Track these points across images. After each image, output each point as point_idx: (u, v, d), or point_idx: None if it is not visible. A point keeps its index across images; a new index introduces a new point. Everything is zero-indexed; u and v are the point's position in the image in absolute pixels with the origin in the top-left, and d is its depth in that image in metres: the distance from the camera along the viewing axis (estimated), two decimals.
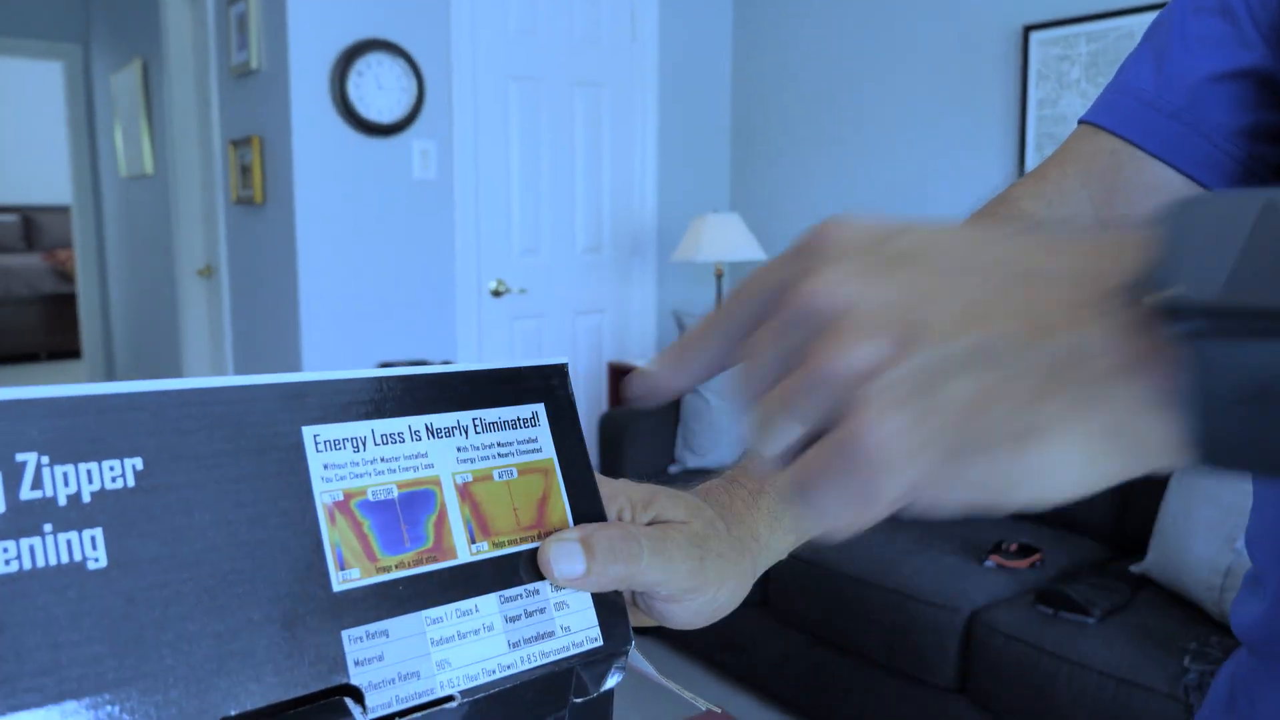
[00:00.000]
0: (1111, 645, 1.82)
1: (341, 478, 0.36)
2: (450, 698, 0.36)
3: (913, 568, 2.17)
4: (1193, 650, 1.74)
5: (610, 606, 0.42)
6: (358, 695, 0.34)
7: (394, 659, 0.35)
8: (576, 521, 0.42)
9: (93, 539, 0.30)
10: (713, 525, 0.45)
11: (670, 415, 3.09)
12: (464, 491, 0.39)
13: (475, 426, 0.41)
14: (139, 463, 0.32)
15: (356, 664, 0.34)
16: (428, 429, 0.39)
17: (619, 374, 3.52)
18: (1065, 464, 0.25)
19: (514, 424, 0.42)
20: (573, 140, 3.49)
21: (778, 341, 0.29)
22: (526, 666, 0.38)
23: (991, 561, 2.17)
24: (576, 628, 0.40)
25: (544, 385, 0.44)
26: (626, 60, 3.56)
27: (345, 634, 0.34)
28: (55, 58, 5.77)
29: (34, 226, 7.94)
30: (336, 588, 0.35)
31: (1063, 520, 2.43)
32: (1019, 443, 0.25)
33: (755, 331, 0.30)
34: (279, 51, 2.98)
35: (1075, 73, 2.79)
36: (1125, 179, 0.57)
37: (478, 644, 0.37)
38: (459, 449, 0.40)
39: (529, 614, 0.39)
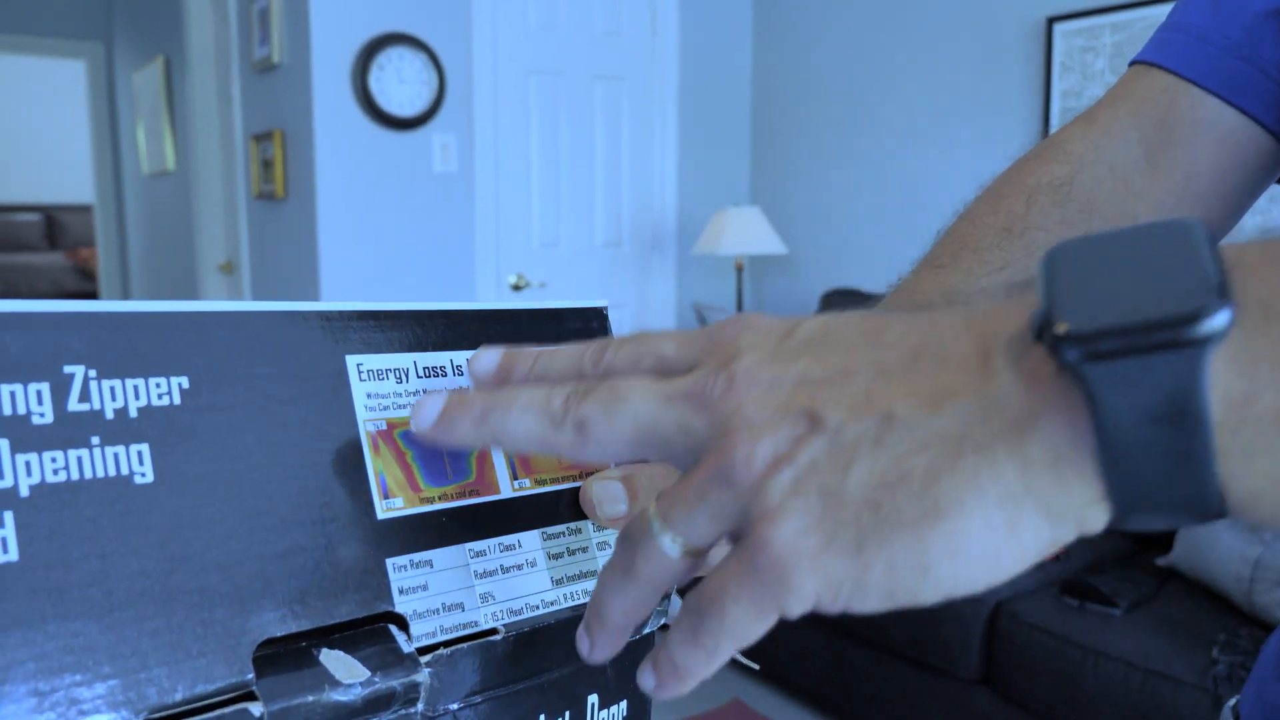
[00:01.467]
0: (1139, 637, 1.80)
1: (385, 408, 0.36)
2: (494, 630, 0.35)
3: None
4: (1221, 642, 1.72)
5: None
6: (402, 623, 0.34)
7: (438, 589, 0.35)
8: (617, 463, 0.42)
9: (140, 454, 0.30)
10: None
11: None
12: None
13: None
14: (185, 381, 0.31)
15: (401, 592, 0.34)
16: (469, 364, 0.39)
17: None
18: (979, 541, 0.24)
19: None
20: (593, 134, 3.48)
21: (676, 436, 0.28)
22: (570, 604, 0.38)
23: None
24: None
25: (584, 327, 0.43)
26: (647, 54, 3.56)
27: (390, 562, 0.34)
28: (78, 56, 5.81)
29: (57, 225, 8.00)
30: (381, 515, 0.34)
31: None
32: (925, 524, 0.24)
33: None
34: (301, 46, 2.99)
35: (1100, 64, 2.76)
36: (1179, 117, 0.56)
37: (521, 579, 0.37)
38: None
39: (571, 552, 0.39)
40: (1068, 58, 2.83)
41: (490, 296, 3.30)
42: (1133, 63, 0.61)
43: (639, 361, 0.30)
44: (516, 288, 3.36)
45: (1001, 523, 0.23)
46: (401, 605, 0.34)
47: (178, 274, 4.67)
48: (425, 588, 0.34)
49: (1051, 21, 2.83)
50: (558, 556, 0.38)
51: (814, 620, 2.35)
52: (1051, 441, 0.23)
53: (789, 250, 3.50)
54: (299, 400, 0.34)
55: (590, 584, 0.39)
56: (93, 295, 7.08)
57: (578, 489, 0.40)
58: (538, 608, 0.37)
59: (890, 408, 0.25)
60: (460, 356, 0.38)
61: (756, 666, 0.45)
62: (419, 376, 0.37)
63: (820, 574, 0.25)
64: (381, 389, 0.36)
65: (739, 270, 3.49)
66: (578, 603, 0.38)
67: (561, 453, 0.30)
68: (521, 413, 0.30)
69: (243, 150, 3.50)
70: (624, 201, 3.58)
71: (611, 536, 0.40)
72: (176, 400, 0.31)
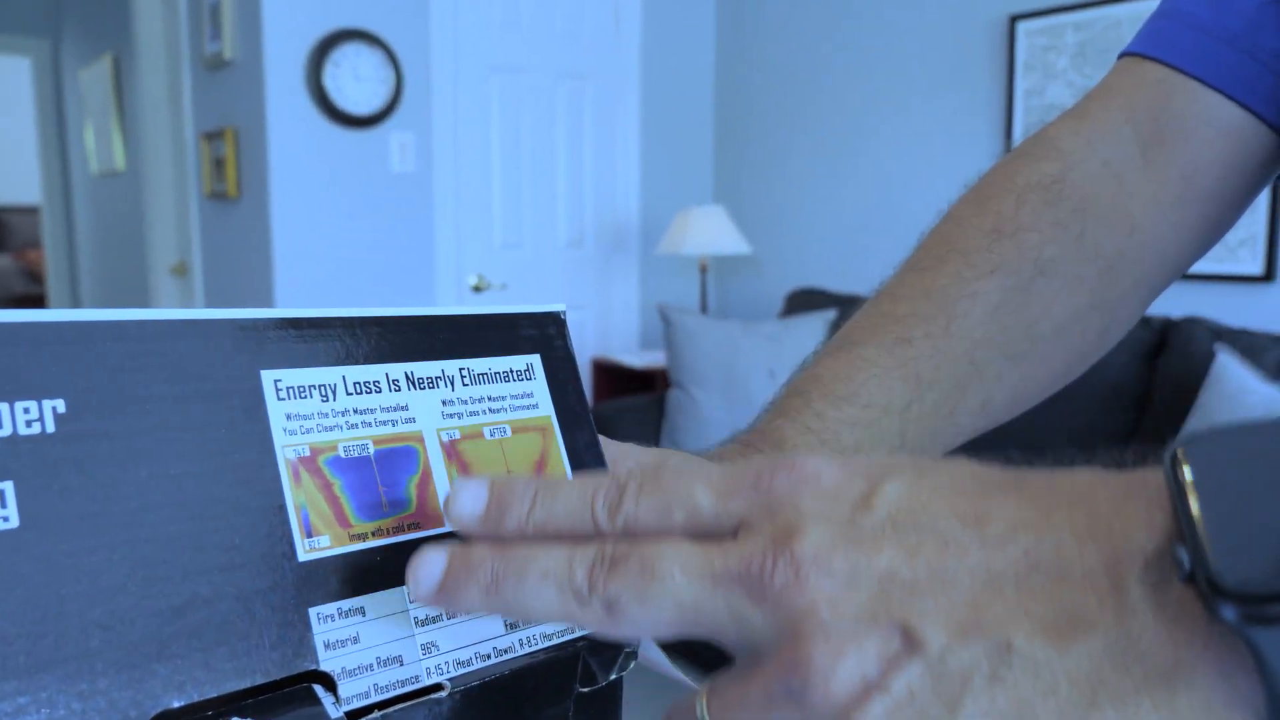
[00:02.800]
0: None
1: (307, 430, 0.31)
2: (438, 686, 0.31)
3: None
4: None
5: None
6: (329, 683, 0.29)
7: (372, 641, 0.30)
8: None
9: (1, 494, 0.25)
10: None
11: (655, 410, 3.05)
12: (450, 450, 0.34)
13: (462, 377, 0.35)
14: (61, 404, 0.26)
15: (327, 647, 0.29)
16: (408, 378, 0.34)
17: (603, 370, 3.47)
18: None
19: (506, 376, 0.37)
20: (555, 133, 3.43)
21: (731, 624, 0.23)
22: (526, 651, 0.33)
23: None
24: None
25: (539, 334, 0.39)
26: (610, 53, 3.52)
27: (313, 612, 0.29)
28: (24, 53, 5.66)
29: (4, 227, 7.80)
30: (302, 557, 0.29)
31: None
32: None
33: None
34: (253, 41, 2.91)
35: (1062, 63, 2.76)
36: (1175, 111, 0.52)
37: (469, 624, 0.32)
38: (444, 402, 0.35)
39: None
40: (1030, 56, 2.82)
41: (450, 298, 3.24)
42: (1123, 54, 0.57)
43: (667, 516, 0.26)
44: (477, 289, 3.30)
45: None
46: (328, 662, 0.29)
47: (128, 276, 4.56)
48: (356, 640, 0.30)
49: (1014, 20, 2.82)
50: None
51: None
52: (1205, 699, 0.20)
53: (753, 250, 3.47)
54: (203, 425, 0.29)
55: (551, 626, 0.34)
56: (41, 298, 6.91)
57: None
58: (489, 657, 0.32)
59: (1006, 634, 0.21)
60: (398, 370, 0.34)
61: None
62: (349, 394, 0.32)
63: None
64: (303, 409, 0.31)
65: (703, 270, 3.45)
66: (535, 648, 0.33)
67: (591, 629, 0.26)
68: (539, 584, 0.26)
69: (194, 149, 3.41)
70: (587, 201, 3.53)
71: None
72: (50, 428, 0.26)
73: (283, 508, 0.29)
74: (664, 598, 0.24)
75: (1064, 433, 2.21)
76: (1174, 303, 2.35)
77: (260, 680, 0.27)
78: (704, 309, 3.47)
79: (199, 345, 0.29)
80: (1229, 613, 0.19)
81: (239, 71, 3.02)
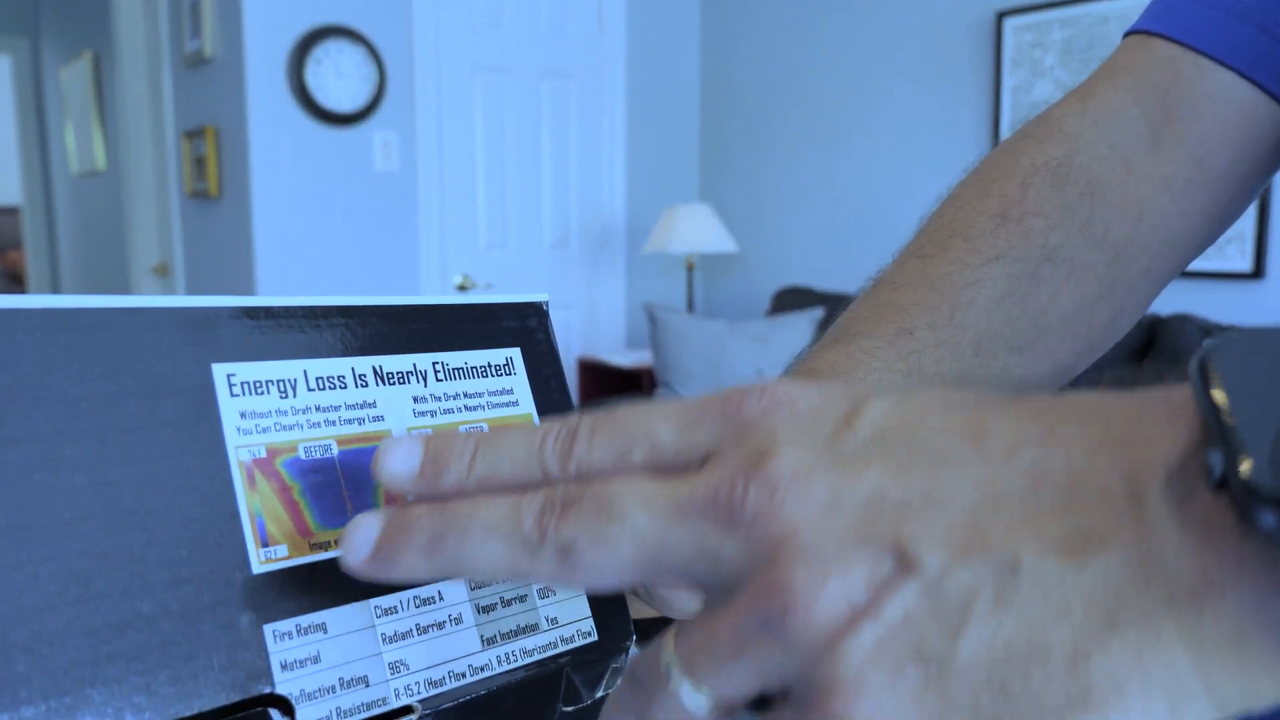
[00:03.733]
0: None
1: (264, 430, 0.28)
2: (409, 709, 0.28)
3: None
4: None
5: (606, 592, 0.34)
6: (286, 707, 0.26)
7: (334, 660, 0.27)
8: None
9: None
10: None
11: None
12: None
13: (436, 372, 0.33)
14: None
15: (284, 667, 0.26)
16: (376, 372, 0.31)
17: (589, 370, 3.45)
18: None
19: (483, 371, 0.34)
20: (539, 132, 3.41)
21: (697, 558, 0.21)
22: (505, 668, 0.31)
23: None
24: (565, 619, 0.33)
25: (519, 326, 0.36)
26: (594, 51, 3.49)
27: (269, 629, 0.26)
28: (3, 52, 5.60)
29: None
30: (257, 569, 0.27)
31: None
32: (1074, 708, 0.18)
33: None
34: (233, 38, 2.87)
35: (1049, 59, 2.75)
36: (1184, 91, 0.50)
37: (442, 640, 0.30)
38: (416, 399, 0.32)
39: (506, 602, 0.32)
40: (1017, 53, 2.81)
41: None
42: (1129, 32, 0.55)
43: (626, 455, 0.23)
44: (462, 288, 3.27)
45: (1165, 711, 0.18)
46: (285, 684, 0.26)
47: (110, 277, 4.50)
48: (317, 659, 0.27)
49: (1001, 16, 2.81)
50: (489, 609, 0.31)
51: None
52: (1235, 619, 0.18)
53: (740, 248, 3.45)
54: (146, 425, 0.26)
55: (530, 641, 0.31)
56: None
57: None
58: (464, 675, 0.30)
59: (1013, 552, 0.18)
60: (365, 363, 0.31)
61: None
62: (310, 389, 0.29)
63: None
64: (259, 406, 0.28)
65: (689, 269, 3.43)
66: (514, 665, 0.31)
67: (544, 583, 0.23)
68: (483, 537, 0.23)
69: (174, 148, 3.37)
70: (572, 201, 3.50)
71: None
72: None
73: (235, 515, 0.27)
74: (623, 538, 0.21)
75: None
76: (1162, 300, 2.33)
77: (208, 706, 0.25)
78: (690, 308, 3.44)
79: (141, 337, 0.27)
80: (1268, 519, 0.17)
81: (219, 69, 2.98)
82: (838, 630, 0.19)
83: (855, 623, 0.19)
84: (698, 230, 3.23)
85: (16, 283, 7.23)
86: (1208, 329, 2.23)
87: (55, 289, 5.70)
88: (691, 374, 2.90)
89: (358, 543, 0.24)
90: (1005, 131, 2.83)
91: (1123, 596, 0.18)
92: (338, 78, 2.92)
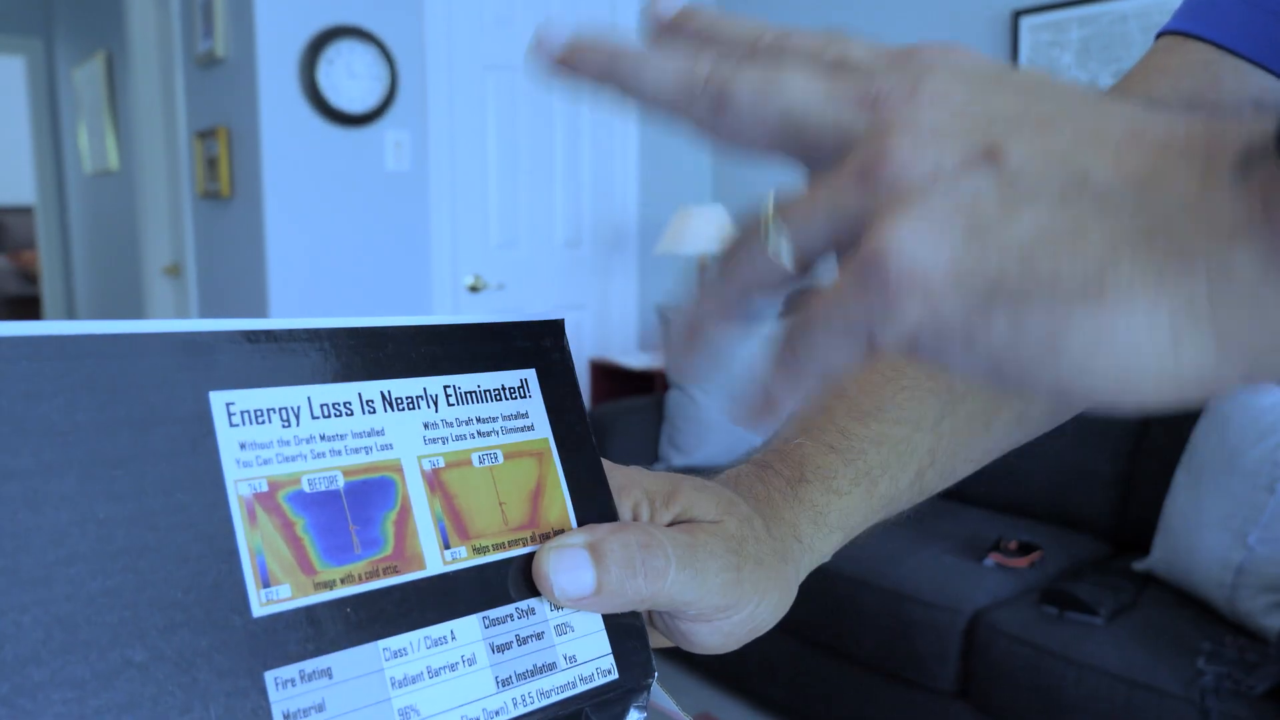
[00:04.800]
0: (1121, 646, 1.74)
1: (265, 461, 0.27)
2: None
3: (909, 567, 2.09)
4: (1207, 651, 1.67)
5: (626, 629, 0.32)
6: None
7: (340, 708, 0.26)
8: (581, 521, 0.33)
9: None
10: (749, 524, 0.36)
11: (654, 412, 3.00)
12: (434, 480, 0.30)
13: (448, 396, 0.31)
14: None
15: (286, 717, 0.25)
16: (384, 398, 0.30)
17: (601, 371, 3.43)
18: (1132, 342, 0.20)
19: (497, 395, 0.32)
20: (552, 131, 3.39)
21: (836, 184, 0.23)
22: (521, 711, 0.29)
23: (991, 560, 2.09)
24: (584, 657, 0.31)
25: (534, 347, 0.34)
26: None
27: (270, 676, 0.25)
28: (16, 53, 5.61)
29: (0, 228, 7.75)
30: (258, 612, 0.25)
31: (1061, 516, 2.35)
32: (1080, 297, 0.20)
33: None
34: (245, 38, 2.86)
35: (1067, 59, 2.72)
36: (1224, 94, 0.48)
37: (455, 683, 0.28)
38: (426, 425, 0.30)
39: (522, 641, 0.30)
40: (1034, 53, 2.78)
41: (447, 298, 3.20)
42: (1161, 33, 0.53)
43: (822, 50, 0.26)
44: (474, 289, 3.25)
45: (1168, 333, 0.20)
46: None
47: (122, 277, 4.51)
48: (321, 708, 0.25)
49: (1018, 15, 2.78)
50: (503, 648, 0.29)
51: (784, 630, 2.27)
52: (1263, 257, 0.19)
53: None
54: (139, 458, 0.24)
55: (548, 682, 0.30)
56: (35, 300, 6.85)
57: (530, 556, 0.31)
58: None
59: (1087, 169, 0.21)
60: (372, 388, 0.29)
61: None
62: (314, 417, 0.28)
63: (931, 306, 0.21)
64: (261, 436, 0.27)
65: (703, 270, 3.40)
66: (532, 708, 0.29)
67: (692, 124, 0.26)
68: (660, 64, 0.26)
69: (186, 148, 3.36)
70: (584, 201, 3.49)
71: (574, 618, 0.31)
72: None
73: (234, 553, 0.25)
74: (777, 98, 0.24)
75: (1065, 436, 2.17)
76: None
77: None
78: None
79: (134, 364, 0.25)
80: None
81: (232, 69, 2.98)
82: (917, 186, 0.21)
83: (933, 180, 0.21)
84: (711, 231, 3.21)
85: (30, 282, 7.25)
86: None
87: (68, 289, 5.71)
88: (705, 376, 2.88)
89: (552, 36, 0.28)
90: None
91: (1170, 224, 0.20)
92: (349, 78, 2.91)
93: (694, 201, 3.56)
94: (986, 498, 2.46)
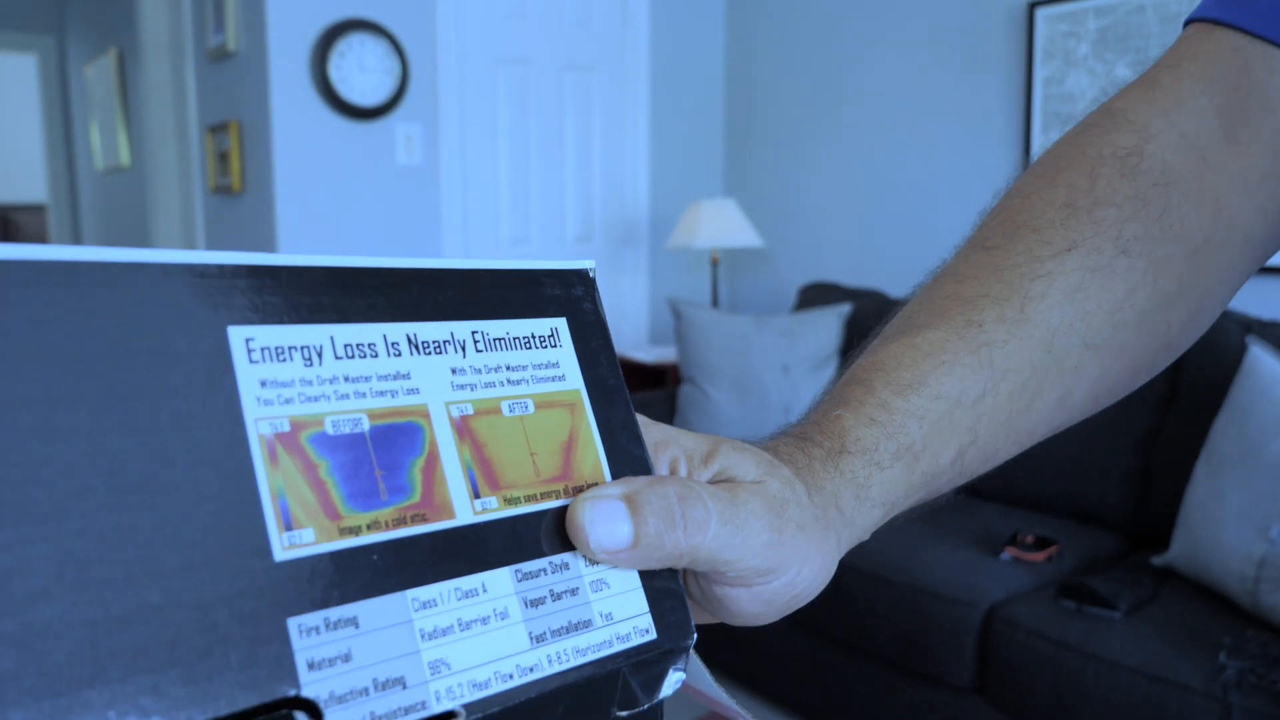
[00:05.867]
0: (1140, 641, 1.72)
1: (287, 400, 0.25)
2: (451, 715, 0.25)
3: (925, 562, 2.07)
4: (1228, 645, 1.65)
5: (663, 590, 0.31)
6: (313, 712, 0.23)
7: (367, 659, 0.24)
8: (615, 475, 0.31)
9: None
10: (791, 487, 0.34)
11: (666, 406, 2.99)
12: (462, 428, 0.28)
13: (476, 342, 0.30)
14: None
15: (311, 666, 0.23)
16: (410, 341, 0.28)
17: None
18: None
19: (527, 342, 0.31)
20: (562, 126, 3.38)
21: None
22: (556, 669, 0.27)
23: (1008, 554, 2.07)
24: (621, 616, 0.29)
25: (565, 295, 0.33)
26: (617, 44, 3.46)
27: (293, 623, 0.23)
28: (28, 51, 5.62)
29: (11, 225, 7.77)
30: (279, 556, 0.24)
31: (1078, 511, 2.33)
32: None
33: None
34: (257, 32, 2.86)
35: (1083, 49, 2.69)
36: (1256, 83, 0.47)
37: (487, 638, 0.26)
38: (454, 370, 0.29)
39: (556, 596, 0.28)
40: (1050, 44, 2.75)
41: None
42: (1190, 20, 0.51)
43: None
44: None
45: None
46: (312, 686, 0.23)
47: None
48: (348, 658, 0.24)
49: (1033, 6, 2.76)
50: (537, 603, 0.28)
51: (797, 625, 2.26)
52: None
53: (765, 243, 3.41)
54: (155, 392, 0.23)
55: (583, 639, 0.28)
56: None
57: (564, 509, 0.30)
58: (511, 677, 0.27)
59: None
60: (398, 330, 0.28)
61: None
62: (338, 357, 0.26)
63: None
64: (282, 374, 0.25)
65: (714, 264, 3.39)
66: (567, 665, 0.28)
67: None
68: None
69: (198, 143, 3.36)
70: (595, 195, 3.47)
71: (610, 574, 0.30)
72: None
73: (255, 495, 0.24)
74: None
75: (1085, 427, 2.15)
76: None
77: (225, 710, 0.22)
78: (715, 303, 3.41)
79: (150, 294, 0.24)
80: None
81: (243, 63, 2.97)
82: None
83: None
84: (722, 225, 3.19)
85: None
86: (1249, 324, 2.17)
87: None
88: (716, 370, 2.87)
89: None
90: (1036, 124, 2.78)
91: None
92: (360, 71, 2.90)
93: (705, 195, 3.54)
94: (1002, 492, 2.44)
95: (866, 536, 0.40)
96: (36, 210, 7.49)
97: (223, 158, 3.14)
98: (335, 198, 2.93)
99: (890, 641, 2.05)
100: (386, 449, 0.26)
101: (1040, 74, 2.78)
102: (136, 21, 3.88)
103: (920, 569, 2.05)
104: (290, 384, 0.25)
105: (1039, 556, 2.06)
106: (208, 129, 3.25)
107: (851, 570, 2.12)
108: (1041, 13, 2.75)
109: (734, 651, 2.42)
